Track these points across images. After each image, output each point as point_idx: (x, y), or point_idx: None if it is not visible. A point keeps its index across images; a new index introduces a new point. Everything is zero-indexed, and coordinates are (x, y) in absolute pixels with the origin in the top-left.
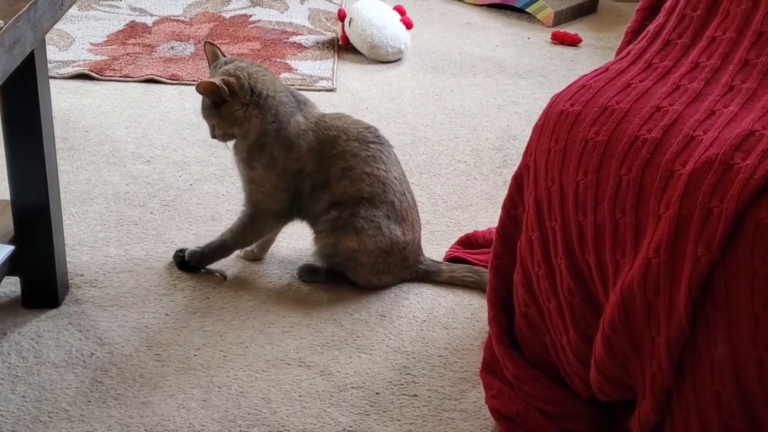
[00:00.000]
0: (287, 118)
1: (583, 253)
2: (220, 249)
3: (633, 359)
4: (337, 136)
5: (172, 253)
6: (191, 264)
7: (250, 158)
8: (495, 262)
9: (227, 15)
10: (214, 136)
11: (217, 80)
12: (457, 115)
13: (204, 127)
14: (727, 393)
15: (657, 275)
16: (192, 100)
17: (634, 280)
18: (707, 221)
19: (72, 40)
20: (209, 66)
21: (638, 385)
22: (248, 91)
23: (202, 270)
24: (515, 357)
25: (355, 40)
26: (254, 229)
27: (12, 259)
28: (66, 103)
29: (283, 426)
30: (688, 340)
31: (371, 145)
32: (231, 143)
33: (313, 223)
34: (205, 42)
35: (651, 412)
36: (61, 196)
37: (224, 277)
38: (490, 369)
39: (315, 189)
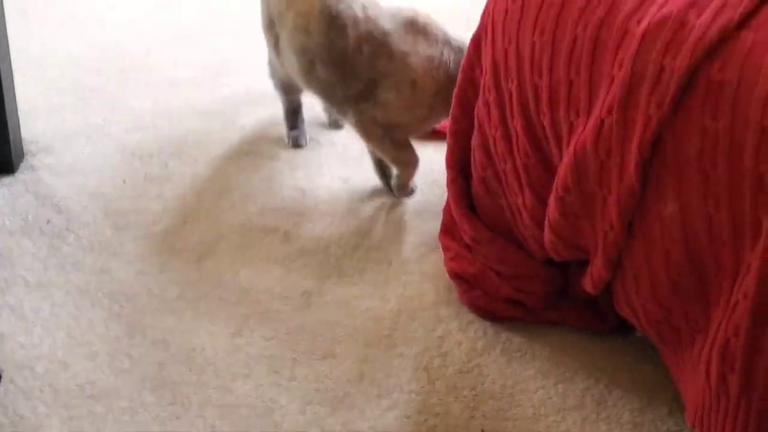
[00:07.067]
0: None
1: (538, 115)
2: None
3: (585, 219)
4: None
5: (129, 119)
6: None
7: None
8: (453, 127)
9: None
10: None
11: None
12: None
13: None
14: (676, 250)
15: (609, 135)
16: None
17: (587, 140)
18: (659, 79)
19: None
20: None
21: (590, 244)
22: None
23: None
24: (472, 219)
25: None
26: None
27: None
28: None
29: (244, 288)
30: (639, 199)
31: None
32: None
33: None
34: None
35: (603, 269)
36: (15, 61)
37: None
38: (448, 232)
39: None
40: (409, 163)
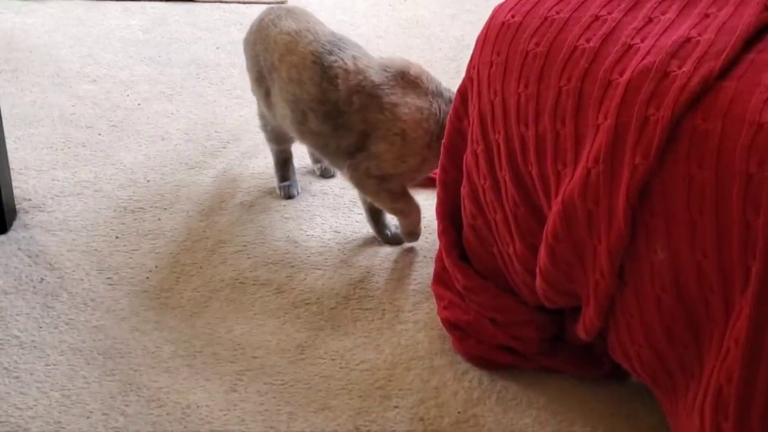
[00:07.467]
0: None
1: (525, 165)
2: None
3: (576, 267)
4: None
5: (121, 174)
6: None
7: None
8: (443, 176)
9: None
10: None
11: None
12: (410, 26)
13: (152, 44)
14: (667, 297)
15: (596, 184)
16: (138, 18)
17: (575, 189)
18: (644, 129)
19: None
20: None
21: (582, 292)
22: None
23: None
24: (464, 268)
25: None
26: None
27: None
28: (9, 23)
29: (238, 343)
30: (629, 247)
31: None
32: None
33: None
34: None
35: (595, 317)
36: (6, 119)
37: None
38: (441, 281)
39: None
40: (408, 212)
